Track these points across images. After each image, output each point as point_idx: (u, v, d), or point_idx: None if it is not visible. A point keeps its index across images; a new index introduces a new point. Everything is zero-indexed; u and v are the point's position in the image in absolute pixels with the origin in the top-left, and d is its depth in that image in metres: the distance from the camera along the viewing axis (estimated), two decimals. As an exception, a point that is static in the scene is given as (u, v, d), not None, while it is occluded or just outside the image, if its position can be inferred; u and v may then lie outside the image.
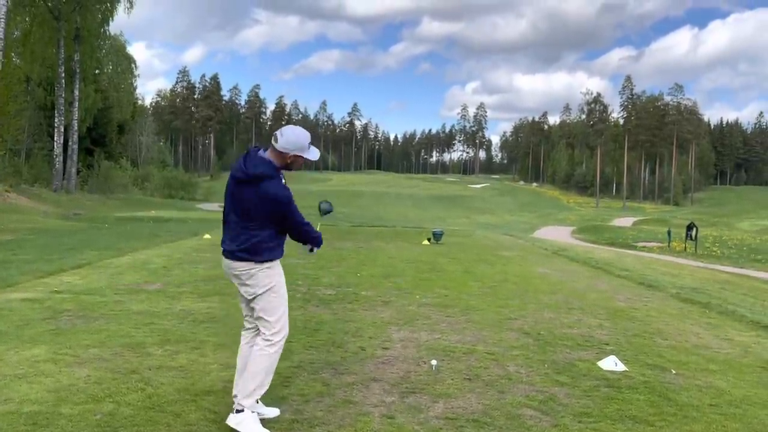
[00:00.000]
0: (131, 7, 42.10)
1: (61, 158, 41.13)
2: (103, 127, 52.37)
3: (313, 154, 3.61)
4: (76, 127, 41.98)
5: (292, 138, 3.52)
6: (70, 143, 41.94)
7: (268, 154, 3.54)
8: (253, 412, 3.49)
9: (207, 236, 15.96)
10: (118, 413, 3.61)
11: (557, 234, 45.64)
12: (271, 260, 3.64)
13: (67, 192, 40.42)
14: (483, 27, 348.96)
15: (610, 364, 5.08)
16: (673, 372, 5.00)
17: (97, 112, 48.47)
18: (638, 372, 4.96)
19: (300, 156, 3.56)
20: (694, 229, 34.42)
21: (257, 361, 3.55)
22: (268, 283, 3.62)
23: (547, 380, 4.66)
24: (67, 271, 9.19)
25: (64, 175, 41.64)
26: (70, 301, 6.87)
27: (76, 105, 41.83)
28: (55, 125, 40.57)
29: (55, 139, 40.68)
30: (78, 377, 4.22)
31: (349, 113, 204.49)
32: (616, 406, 4.13)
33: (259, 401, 3.68)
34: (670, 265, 17.73)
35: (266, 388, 3.62)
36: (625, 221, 69.55)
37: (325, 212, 4.52)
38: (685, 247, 35.05)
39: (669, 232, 38.67)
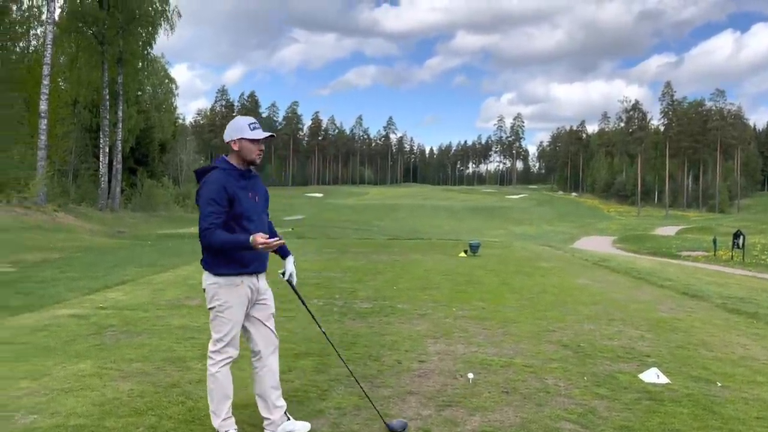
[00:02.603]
0: (171, 30, 43.31)
1: (106, 178, 42.38)
2: (146, 146, 53.79)
3: (257, 134, 3.45)
4: (119, 148, 43.23)
5: (228, 127, 3.50)
6: (114, 163, 43.20)
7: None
8: (218, 431, 3.46)
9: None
10: (160, 426, 3.69)
11: (597, 244, 44.85)
12: (220, 275, 3.42)
13: (112, 210, 41.55)
14: (518, 38, 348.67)
15: (652, 376, 4.97)
16: (719, 384, 4.86)
17: (139, 132, 49.86)
18: (681, 384, 4.84)
19: (244, 139, 3.43)
20: (742, 237, 33.38)
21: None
22: (214, 301, 3.47)
23: (587, 393, 4.58)
24: (112, 287, 9.45)
25: (109, 194, 42.86)
26: (114, 317, 7.06)
27: (120, 126, 43.09)
28: (100, 146, 41.90)
29: (101, 159, 41.99)
30: (122, 391, 4.34)
31: (384, 127, 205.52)
32: (658, 419, 4.04)
33: (289, 416, 3.71)
34: (716, 274, 17.24)
35: (219, 416, 3.47)
36: (668, 230, 67.91)
37: None
38: (732, 256, 34.02)
39: (714, 241, 37.60)
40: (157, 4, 42.14)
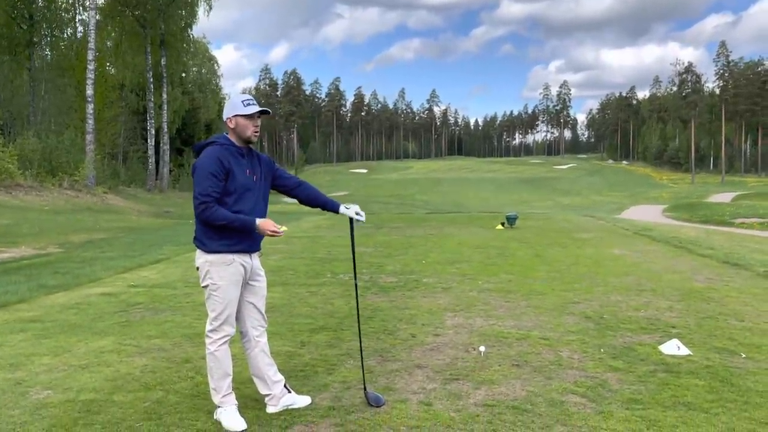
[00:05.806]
0: (210, 9, 43.76)
1: (154, 159, 43.50)
2: (191, 127, 54.86)
3: (250, 109, 3.42)
4: (166, 129, 44.23)
5: (225, 106, 3.51)
6: (161, 144, 44.27)
7: None
8: (218, 407, 3.46)
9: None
10: (165, 401, 3.78)
11: (647, 213, 43.61)
12: (213, 252, 3.40)
13: (161, 191, 42.68)
14: (566, 4, 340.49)
15: (672, 347, 4.81)
16: (742, 356, 4.67)
17: (185, 113, 50.88)
18: (702, 356, 4.67)
19: (238, 116, 3.42)
20: (800, 202, 31.88)
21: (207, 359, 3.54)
22: (207, 279, 3.45)
23: (601, 365, 4.47)
24: (146, 266, 9.70)
25: (157, 175, 44.01)
26: (143, 295, 7.26)
27: (165, 108, 44.02)
28: (147, 128, 42.95)
29: (148, 141, 43.08)
30: (135, 366, 4.46)
31: (427, 100, 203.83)
32: (670, 392, 3.91)
33: (291, 390, 3.73)
34: (767, 241, 16.53)
35: (219, 392, 3.46)
36: (724, 197, 65.33)
37: None
38: (790, 222, 32.55)
39: (771, 207, 36.04)
40: (196, -16, 42.58)
